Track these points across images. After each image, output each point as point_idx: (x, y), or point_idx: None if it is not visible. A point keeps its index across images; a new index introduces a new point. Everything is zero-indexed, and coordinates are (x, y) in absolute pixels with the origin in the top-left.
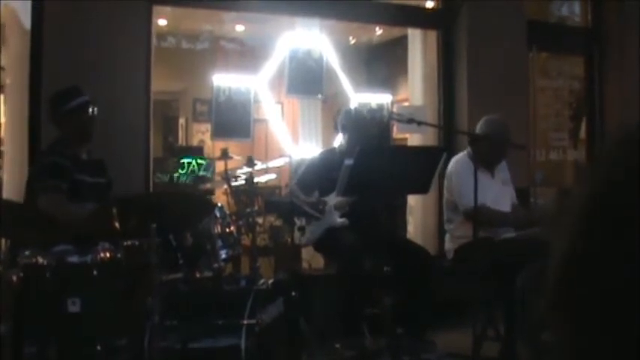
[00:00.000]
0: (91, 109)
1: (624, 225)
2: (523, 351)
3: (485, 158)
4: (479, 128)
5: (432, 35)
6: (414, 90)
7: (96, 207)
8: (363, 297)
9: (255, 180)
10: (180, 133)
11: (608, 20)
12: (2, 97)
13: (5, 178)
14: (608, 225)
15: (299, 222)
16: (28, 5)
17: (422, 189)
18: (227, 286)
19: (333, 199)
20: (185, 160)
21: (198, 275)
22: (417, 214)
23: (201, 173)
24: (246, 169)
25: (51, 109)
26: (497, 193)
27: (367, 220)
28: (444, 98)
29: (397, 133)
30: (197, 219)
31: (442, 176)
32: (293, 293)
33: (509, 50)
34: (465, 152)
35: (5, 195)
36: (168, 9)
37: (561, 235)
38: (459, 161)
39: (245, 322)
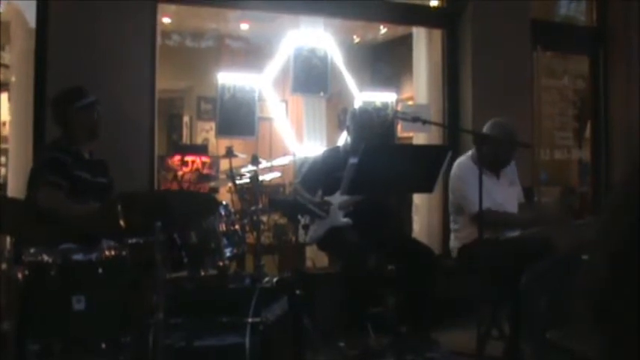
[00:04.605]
0: (97, 110)
1: None
2: (527, 350)
3: (491, 160)
4: (486, 131)
5: (437, 34)
6: (419, 88)
7: (99, 205)
8: (367, 296)
9: (260, 178)
10: (185, 131)
11: (612, 19)
12: (7, 95)
13: (10, 176)
14: None
15: (303, 220)
16: (33, 4)
17: (427, 188)
18: (231, 284)
19: (337, 198)
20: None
21: (202, 273)
22: (422, 213)
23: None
24: (250, 168)
25: (57, 107)
26: (504, 194)
27: (372, 218)
28: (448, 97)
29: (402, 131)
30: (202, 217)
31: (447, 175)
32: (297, 291)
33: (514, 49)
34: (469, 154)
35: (10, 193)
36: (172, 7)
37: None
38: (461, 164)
39: (249, 320)
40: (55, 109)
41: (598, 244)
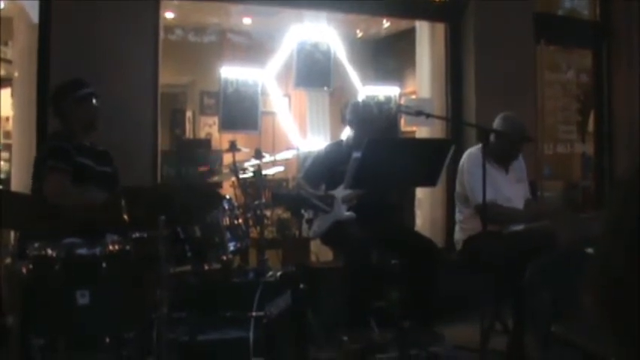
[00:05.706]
0: (94, 100)
1: None
2: (531, 344)
3: (498, 154)
4: (495, 125)
5: (440, 28)
6: (422, 82)
7: (105, 194)
8: (370, 290)
9: (263, 172)
10: (188, 126)
11: (616, 13)
12: (10, 90)
13: (13, 170)
14: None
15: (307, 215)
16: (36, 1)
17: (430, 182)
18: (235, 278)
19: (340, 192)
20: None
21: (206, 267)
22: (426, 206)
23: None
24: (254, 162)
25: (55, 101)
26: (511, 189)
27: (375, 213)
28: (451, 91)
29: (405, 125)
30: (205, 211)
31: (450, 169)
32: (301, 286)
33: (517, 43)
34: (480, 146)
35: (13, 188)
36: (175, 2)
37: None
38: (471, 155)
39: (253, 314)
40: (53, 101)
41: (605, 239)
